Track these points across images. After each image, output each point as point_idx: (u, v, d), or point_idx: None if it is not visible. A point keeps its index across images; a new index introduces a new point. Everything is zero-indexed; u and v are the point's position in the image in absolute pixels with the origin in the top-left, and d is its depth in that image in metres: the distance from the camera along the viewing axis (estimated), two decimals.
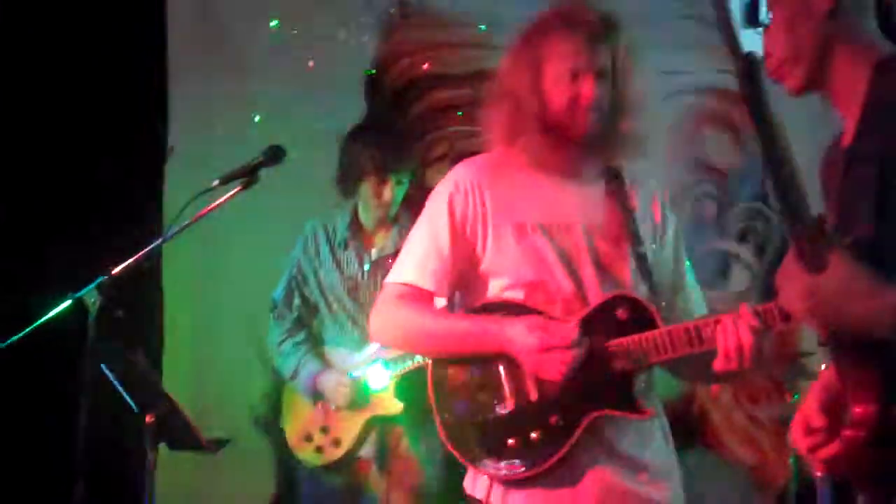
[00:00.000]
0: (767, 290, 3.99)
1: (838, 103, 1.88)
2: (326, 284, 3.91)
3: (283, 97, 4.61)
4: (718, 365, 2.34)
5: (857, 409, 1.69)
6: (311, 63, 4.72)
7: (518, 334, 2.43)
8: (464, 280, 2.58)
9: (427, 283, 2.55)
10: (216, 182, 2.84)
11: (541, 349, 2.39)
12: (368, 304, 3.56)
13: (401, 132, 4.08)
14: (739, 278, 4.70)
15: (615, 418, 2.46)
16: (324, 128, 4.40)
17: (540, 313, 2.49)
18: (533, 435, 2.45)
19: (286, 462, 4.10)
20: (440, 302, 2.60)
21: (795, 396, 3.73)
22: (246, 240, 4.40)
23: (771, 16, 1.86)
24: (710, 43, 4.54)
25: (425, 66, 4.78)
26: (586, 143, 2.53)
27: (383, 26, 4.76)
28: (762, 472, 4.58)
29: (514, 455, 2.46)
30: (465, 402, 2.53)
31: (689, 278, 2.68)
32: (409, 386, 3.72)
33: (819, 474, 1.87)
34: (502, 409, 2.49)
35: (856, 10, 1.84)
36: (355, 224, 3.92)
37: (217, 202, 2.87)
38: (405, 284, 2.58)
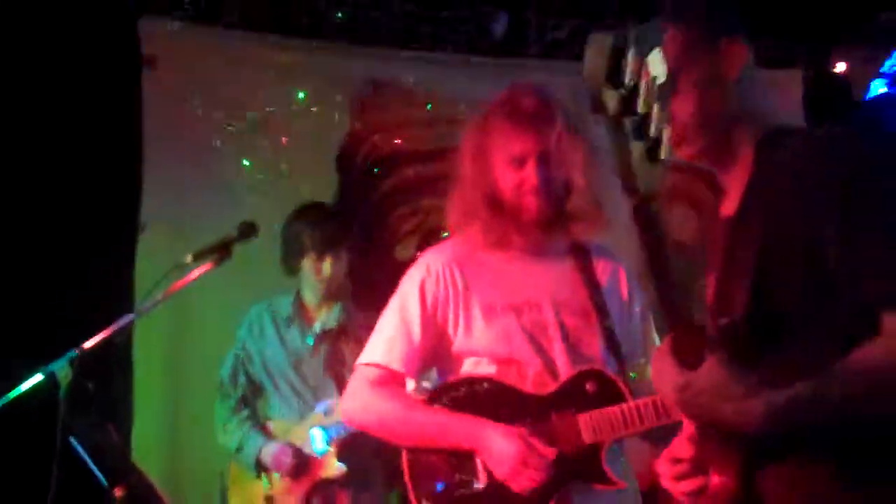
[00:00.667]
0: None
1: (723, 171, 1.89)
2: (271, 363, 4.01)
3: (256, 173, 4.71)
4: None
5: (716, 480, 1.71)
6: (284, 140, 4.80)
7: (494, 442, 2.48)
8: (436, 359, 2.66)
9: (397, 365, 2.62)
10: (189, 257, 2.91)
11: (516, 461, 2.45)
12: (312, 377, 3.95)
13: (338, 211, 4.22)
14: None
15: (588, 489, 2.51)
16: (298, 202, 4.38)
17: (512, 389, 2.55)
18: None
19: None
20: (410, 384, 2.70)
21: None
22: (217, 314, 4.42)
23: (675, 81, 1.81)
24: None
25: (397, 142, 4.89)
26: (544, 222, 2.60)
27: (356, 104, 4.87)
28: None
29: None
30: (442, 482, 2.55)
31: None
32: (351, 449, 3.79)
33: None
34: (478, 485, 2.52)
35: (750, 83, 1.85)
36: (298, 302, 4.05)
37: (189, 277, 2.93)
38: (377, 366, 2.64)
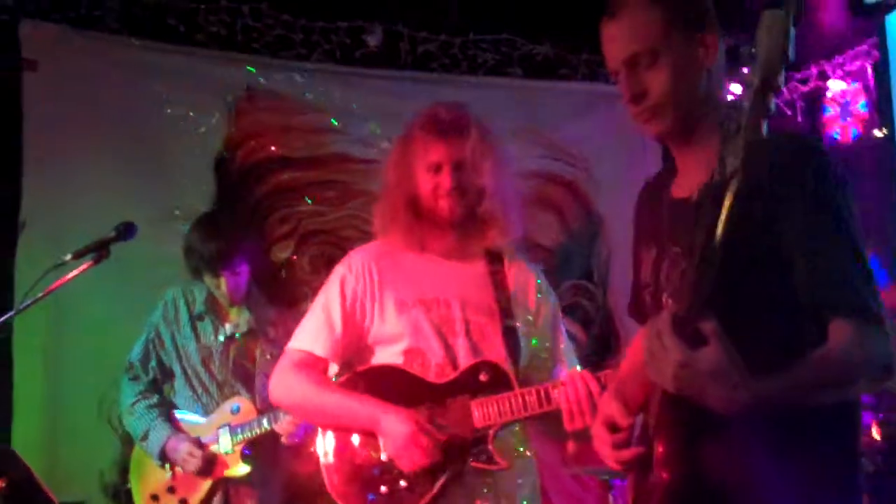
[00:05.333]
0: (592, 360, 4.27)
1: (682, 152, 1.98)
2: (183, 351, 4.02)
3: (135, 175, 4.70)
4: (566, 424, 2.66)
5: (661, 448, 1.80)
6: (164, 141, 4.81)
7: (390, 423, 2.69)
8: (355, 349, 2.88)
9: (320, 352, 2.85)
10: (69, 256, 3.01)
11: (407, 439, 2.66)
12: (220, 374, 3.97)
13: (236, 225, 4.19)
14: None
15: (478, 469, 2.73)
16: (176, 204, 4.59)
17: (417, 378, 2.77)
18: (402, 483, 2.71)
19: None
20: (334, 367, 2.89)
21: None
22: (95, 312, 4.43)
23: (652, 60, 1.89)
24: (529, 132, 5.10)
25: (272, 148, 4.97)
26: (457, 226, 2.86)
27: (232, 109, 4.91)
28: None
29: (387, 502, 2.71)
30: (349, 460, 2.78)
31: (567, 355, 2.99)
32: (255, 449, 3.91)
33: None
34: (378, 461, 2.74)
35: (721, 72, 1.96)
36: (211, 298, 4.06)
37: (69, 276, 3.03)
38: (301, 351, 2.87)
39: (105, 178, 4.67)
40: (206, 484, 3.92)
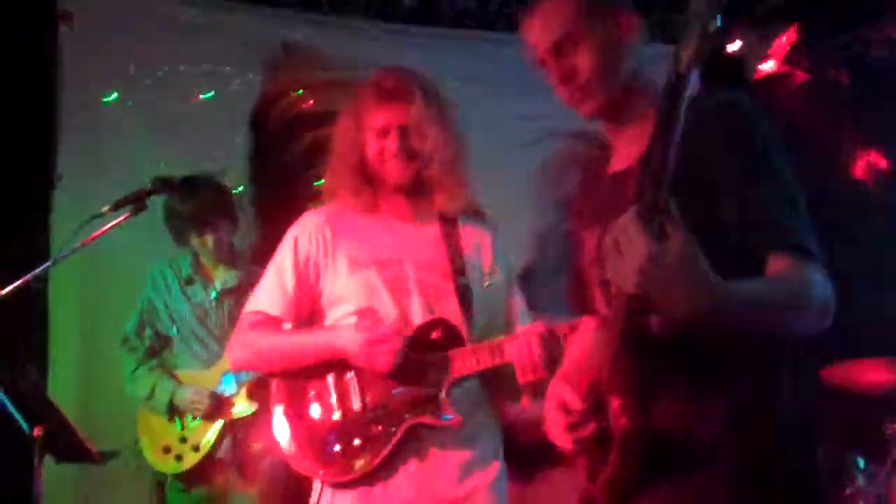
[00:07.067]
0: None
1: (616, 130, 2.04)
2: (177, 315, 4.12)
3: (169, 131, 4.71)
4: (519, 377, 2.67)
5: (616, 403, 1.80)
6: (199, 96, 4.82)
7: (347, 335, 2.71)
8: (308, 309, 2.87)
9: (274, 310, 2.84)
10: (106, 208, 3.03)
11: (368, 343, 2.66)
12: (217, 328, 4.07)
13: (216, 185, 4.21)
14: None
15: (432, 427, 2.72)
16: (211, 161, 4.49)
17: None
18: (357, 442, 2.71)
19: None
20: (288, 327, 2.87)
21: None
22: (131, 264, 4.45)
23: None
24: None
25: (310, 102, 4.94)
26: (408, 190, 2.88)
27: (268, 64, 4.90)
28: None
29: (340, 460, 2.71)
30: (301, 420, 2.78)
31: (522, 317, 2.96)
32: (260, 393, 3.91)
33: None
34: (331, 419, 2.75)
35: (645, 54, 2.04)
36: (197, 263, 4.15)
37: (106, 227, 3.06)
38: (255, 312, 2.87)
39: (139, 134, 4.69)
40: (215, 426, 4.00)
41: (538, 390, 2.62)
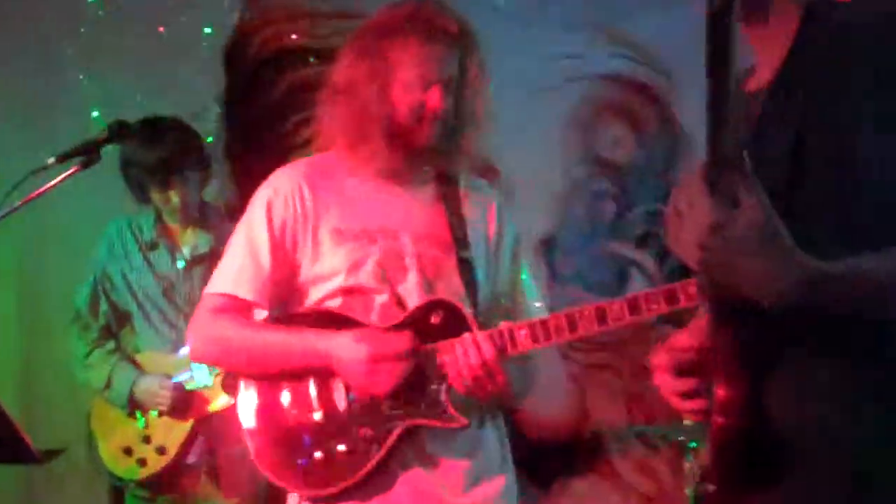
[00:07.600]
0: None
1: (760, 42, 1.78)
2: (138, 287, 3.83)
3: (135, 66, 4.53)
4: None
5: (721, 393, 1.61)
6: (161, 29, 4.62)
7: (344, 347, 2.44)
8: (286, 290, 2.60)
9: (245, 293, 2.56)
10: (52, 160, 2.71)
11: (370, 360, 2.42)
12: (185, 304, 3.74)
13: (183, 129, 3.88)
14: (638, 286, 4.55)
15: (433, 430, 2.49)
16: (182, 100, 4.29)
17: (356, 322, 2.51)
18: (341, 448, 2.48)
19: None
20: (261, 315, 2.60)
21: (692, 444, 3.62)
22: (82, 226, 4.26)
23: None
24: (600, 23, 4.65)
25: (293, 36, 4.68)
26: (425, 152, 2.60)
27: None
28: (658, 502, 4.51)
29: (320, 470, 2.48)
30: (276, 422, 2.54)
31: (528, 293, 2.76)
32: (237, 380, 3.55)
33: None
34: (311, 420, 2.51)
35: None
36: (161, 223, 3.84)
37: (51, 183, 2.75)
38: (222, 295, 2.58)
39: (102, 69, 4.55)
40: (186, 426, 3.71)
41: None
